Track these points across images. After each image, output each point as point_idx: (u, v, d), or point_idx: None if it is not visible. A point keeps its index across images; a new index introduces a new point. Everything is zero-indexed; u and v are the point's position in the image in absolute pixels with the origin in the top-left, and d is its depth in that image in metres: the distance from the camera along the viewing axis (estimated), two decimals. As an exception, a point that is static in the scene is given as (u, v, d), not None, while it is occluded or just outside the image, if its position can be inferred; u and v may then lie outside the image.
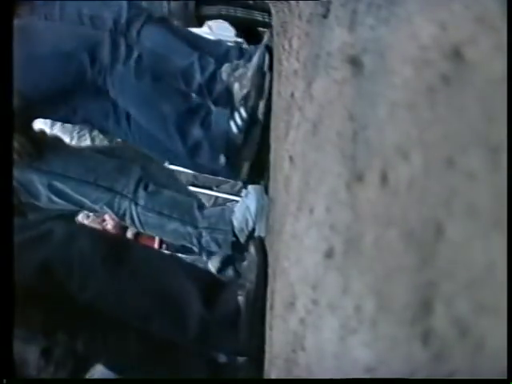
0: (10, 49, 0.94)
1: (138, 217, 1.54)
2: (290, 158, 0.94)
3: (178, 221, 1.52)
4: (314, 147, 0.74)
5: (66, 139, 2.25)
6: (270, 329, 1.01)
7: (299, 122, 0.88)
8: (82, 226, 1.56)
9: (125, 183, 1.55)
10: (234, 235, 1.49)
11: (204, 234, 1.52)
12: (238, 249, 1.51)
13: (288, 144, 0.98)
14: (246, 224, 1.48)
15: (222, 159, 1.37)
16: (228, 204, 1.72)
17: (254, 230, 1.45)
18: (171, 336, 1.15)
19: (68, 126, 2.27)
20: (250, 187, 1.51)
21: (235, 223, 1.49)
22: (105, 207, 1.55)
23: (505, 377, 0.32)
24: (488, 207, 0.34)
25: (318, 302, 0.64)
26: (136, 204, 1.53)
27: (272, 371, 0.97)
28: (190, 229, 1.52)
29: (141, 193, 1.55)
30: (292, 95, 1.00)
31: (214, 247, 1.54)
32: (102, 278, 1.12)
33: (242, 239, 1.48)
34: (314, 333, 0.66)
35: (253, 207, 1.47)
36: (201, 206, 1.56)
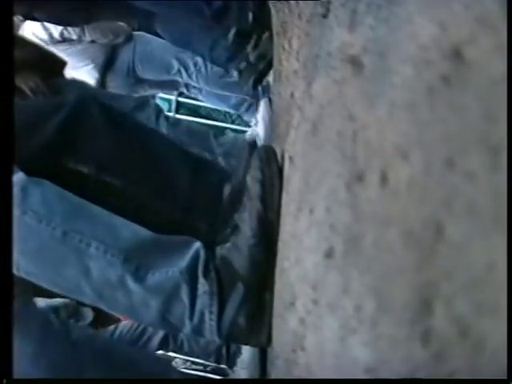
0: (10, 57, 0.94)
1: None
2: (290, 158, 0.94)
3: (196, 147, 1.58)
4: (314, 147, 0.74)
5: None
6: (270, 329, 1.01)
7: (299, 122, 0.88)
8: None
9: (148, 115, 1.70)
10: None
11: (220, 159, 1.64)
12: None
13: (288, 144, 0.98)
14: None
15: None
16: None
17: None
18: (156, 202, 1.16)
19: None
20: (259, 116, 1.68)
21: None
22: None
23: (505, 377, 0.32)
24: (488, 207, 0.34)
25: (318, 301, 0.64)
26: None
27: (272, 371, 0.97)
28: (207, 154, 1.62)
29: (162, 122, 1.71)
30: (292, 95, 1.00)
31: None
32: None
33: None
34: (314, 333, 0.66)
35: (262, 134, 1.66)
36: (216, 135, 1.73)
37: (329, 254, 0.61)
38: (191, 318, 0.94)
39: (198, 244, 0.98)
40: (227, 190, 1.17)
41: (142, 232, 1.00)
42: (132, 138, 1.23)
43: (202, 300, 0.93)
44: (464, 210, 0.37)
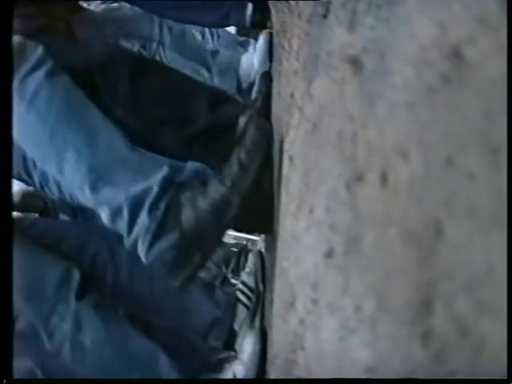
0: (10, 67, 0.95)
1: (166, 56, 1.85)
2: (290, 158, 0.94)
3: (195, 63, 1.83)
4: (314, 147, 0.74)
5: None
6: (270, 329, 1.01)
7: (299, 121, 0.88)
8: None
9: (150, 27, 1.85)
10: (238, 80, 1.83)
11: (215, 78, 1.83)
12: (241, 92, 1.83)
13: (288, 144, 0.98)
14: (248, 76, 1.80)
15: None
16: (238, 49, 1.97)
17: (253, 82, 1.73)
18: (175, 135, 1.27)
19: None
20: (258, 45, 1.80)
21: (240, 72, 1.83)
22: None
23: (505, 377, 0.32)
24: (488, 207, 0.34)
25: (318, 302, 0.64)
26: (163, 44, 1.84)
27: (272, 371, 0.97)
28: (205, 72, 1.82)
29: (166, 34, 1.86)
30: (292, 95, 1.00)
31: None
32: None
33: (244, 86, 1.81)
34: (314, 333, 0.66)
35: (256, 63, 1.78)
36: (214, 53, 1.87)
37: (329, 254, 0.61)
38: (128, 236, 1.06)
39: (159, 178, 1.06)
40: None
41: (119, 148, 1.10)
42: (153, 81, 1.36)
43: (139, 230, 1.04)
44: (464, 209, 0.37)
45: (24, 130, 1.10)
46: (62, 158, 1.08)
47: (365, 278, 0.51)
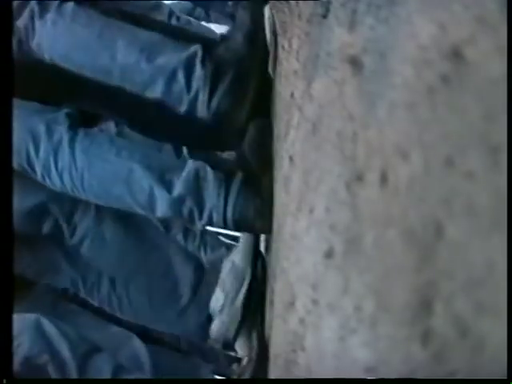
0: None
1: None
2: (290, 158, 0.94)
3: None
4: (314, 147, 0.74)
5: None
6: (270, 329, 1.01)
7: (299, 121, 0.88)
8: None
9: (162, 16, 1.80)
10: None
11: None
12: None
13: (288, 144, 0.98)
14: None
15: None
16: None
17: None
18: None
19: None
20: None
21: None
22: None
23: (505, 377, 0.32)
24: (488, 207, 0.34)
25: (318, 301, 0.64)
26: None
27: (272, 371, 0.97)
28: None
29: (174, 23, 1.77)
30: (292, 95, 1.00)
31: None
32: None
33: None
34: (314, 333, 0.66)
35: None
36: None
37: (329, 253, 0.61)
38: (188, 94, 1.25)
39: (200, 45, 1.28)
40: None
41: (155, 35, 1.31)
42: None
43: (198, 82, 1.24)
44: (464, 209, 0.37)
45: (72, 40, 1.30)
46: (114, 47, 1.27)
47: (365, 278, 0.51)
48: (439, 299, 0.39)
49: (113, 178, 1.24)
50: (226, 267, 1.32)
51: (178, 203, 1.20)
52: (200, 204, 1.21)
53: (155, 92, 1.28)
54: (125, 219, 1.38)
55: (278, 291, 0.95)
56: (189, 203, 1.20)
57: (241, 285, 1.30)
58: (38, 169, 1.27)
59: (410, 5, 0.48)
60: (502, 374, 0.32)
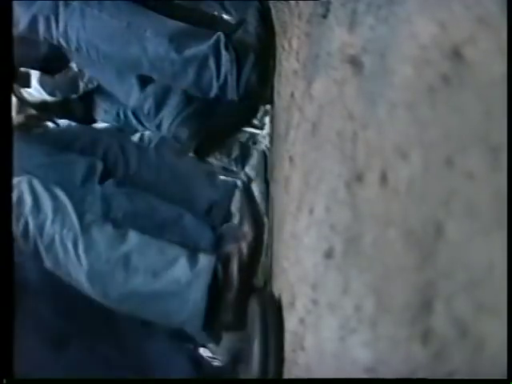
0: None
1: None
2: (290, 158, 0.94)
3: None
4: (314, 147, 0.74)
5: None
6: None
7: (299, 121, 0.88)
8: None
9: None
10: None
11: None
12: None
13: (288, 144, 0.98)
14: None
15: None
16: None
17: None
18: None
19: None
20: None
21: None
22: None
23: (505, 377, 0.32)
24: (488, 207, 0.34)
25: (318, 301, 0.64)
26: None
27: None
28: None
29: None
30: (292, 95, 1.00)
31: None
32: None
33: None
34: (314, 333, 0.66)
35: None
36: None
37: (329, 253, 0.61)
38: (218, 79, 1.37)
39: (219, 32, 1.39)
40: None
41: (181, 24, 1.42)
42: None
43: (226, 66, 1.36)
44: (464, 209, 0.37)
45: (100, 29, 1.38)
46: (143, 38, 1.36)
47: (365, 278, 0.51)
48: (439, 299, 0.39)
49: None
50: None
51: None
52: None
53: (186, 81, 1.40)
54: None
55: (277, 291, 0.95)
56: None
57: None
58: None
59: (410, 4, 0.48)
60: (501, 374, 0.32)
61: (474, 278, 0.35)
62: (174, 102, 1.49)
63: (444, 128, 0.40)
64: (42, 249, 1.20)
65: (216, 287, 1.20)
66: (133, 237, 1.23)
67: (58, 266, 1.20)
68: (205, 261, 1.20)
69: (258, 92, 1.41)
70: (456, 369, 0.37)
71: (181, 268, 1.22)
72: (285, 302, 0.84)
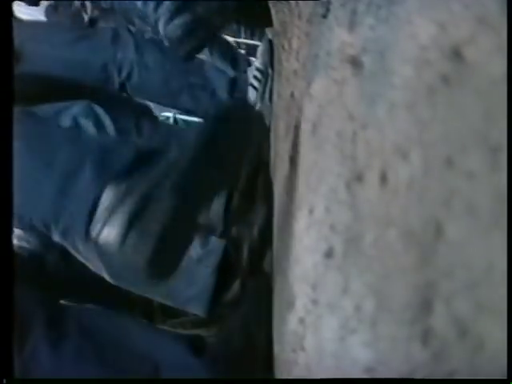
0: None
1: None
2: (290, 158, 0.94)
3: None
4: (314, 147, 0.74)
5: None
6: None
7: (299, 121, 0.88)
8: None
9: None
10: None
11: None
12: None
13: (288, 144, 0.98)
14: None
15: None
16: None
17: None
18: None
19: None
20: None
21: None
22: None
23: (505, 377, 0.32)
24: (487, 207, 0.34)
25: (318, 301, 0.64)
26: None
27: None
28: None
29: None
30: (292, 95, 1.00)
31: None
32: None
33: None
34: (314, 333, 0.66)
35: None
36: None
37: (329, 253, 0.61)
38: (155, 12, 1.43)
39: None
40: None
41: None
42: None
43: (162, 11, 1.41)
44: (464, 209, 0.37)
45: None
46: None
47: (365, 278, 0.51)
48: (439, 299, 0.39)
49: None
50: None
51: None
52: None
53: None
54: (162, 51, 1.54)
55: (277, 291, 0.95)
56: None
57: None
58: None
59: (410, 5, 0.48)
60: (501, 374, 0.32)
61: (474, 277, 0.35)
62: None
63: (444, 128, 0.40)
64: None
65: (225, 267, 1.21)
66: None
67: None
68: (216, 242, 1.21)
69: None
70: (456, 369, 0.37)
71: (192, 247, 1.21)
72: (285, 301, 0.84)
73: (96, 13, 1.65)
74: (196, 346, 1.15)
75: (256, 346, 1.02)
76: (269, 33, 1.64)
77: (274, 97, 1.33)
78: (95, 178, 1.00)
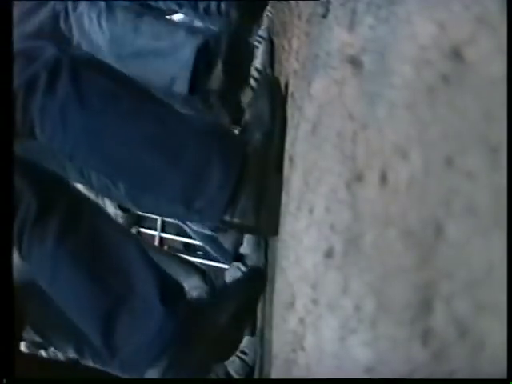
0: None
1: None
2: (290, 158, 0.94)
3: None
4: (314, 147, 0.74)
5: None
6: (270, 329, 1.01)
7: (299, 121, 0.88)
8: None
9: None
10: None
11: None
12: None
13: (287, 144, 0.98)
14: None
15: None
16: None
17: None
18: None
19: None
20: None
21: None
22: None
23: (505, 377, 0.32)
24: (488, 207, 0.34)
25: (318, 301, 0.64)
26: None
27: (272, 371, 0.97)
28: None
29: None
30: (292, 95, 1.00)
31: None
32: None
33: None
34: (314, 333, 0.66)
35: None
36: None
37: (328, 253, 0.61)
38: None
39: None
40: None
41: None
42: None
43: None
44: (464, 209, 0.37)
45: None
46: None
47: (365, 278, 0.51)
48: (439, 299, 0.39)
49: None
50: None
51: None
52: None
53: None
54: None
55: (277, 291, 0.95)
56: None
57: None
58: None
59: (410, 4, 0.48)
60: (501, 373, 0.32)
61: (474, 277, 0.35)
62: None
63: (444, 128, 0.40)
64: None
65: (206, 50, 1.37)
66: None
67: (83, 36, 1.45)
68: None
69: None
70: (456, 369, 0.37)
71: (181, 38, 1.41)
72: (285, 301, 0.84)
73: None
74: None
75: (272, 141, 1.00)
76: (268, 32, 1.64)
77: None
78: None
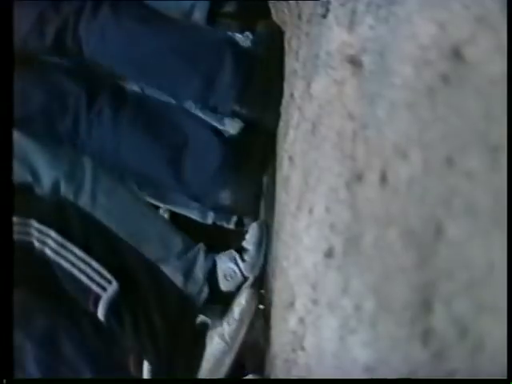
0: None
1: None
2: (290, 158, 0.94)
3: None
4: (314, 147, 0.74)
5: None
6: (270, 328, 1.01)
7: (299, 121, 0.88)
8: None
9: None
10: None
11: None
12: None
13: (287, 144, 0.98)
14: None
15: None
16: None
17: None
18: None
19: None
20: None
21: None
22: None
23: (505, 377, 0.33)
24: (487, 207, 0.34)
25: (318, 301, 0.64)
26: None
27: (272, 371, 0.97)
28: None
29: None
30: (291, 95, 1.00)
31: None
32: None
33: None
34: (314, 332, 0.66)
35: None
36: None
37: (329, 253, 0.61)
38: None
39: None
40: None
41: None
42: None
43: None
44: (464, 209, 0.37)
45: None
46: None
47: (365, 278, 0.51)
48: (439, 299, 0.39)
49: None
50: None
51: None
52: None
53: None
54: None
55: (277, 291, 0.95)
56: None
57: None
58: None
59: (410, 4, 0.48)
60: (501, 374, 0.32)
61: (474, 277, 0.35)
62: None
63: (444, 128, 0.40)
64: None
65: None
66: None
67: None
68: None
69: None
70: (456, 369, 0.37)
71: None
72: (285, 301, 0.84)
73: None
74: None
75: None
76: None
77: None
78: None
